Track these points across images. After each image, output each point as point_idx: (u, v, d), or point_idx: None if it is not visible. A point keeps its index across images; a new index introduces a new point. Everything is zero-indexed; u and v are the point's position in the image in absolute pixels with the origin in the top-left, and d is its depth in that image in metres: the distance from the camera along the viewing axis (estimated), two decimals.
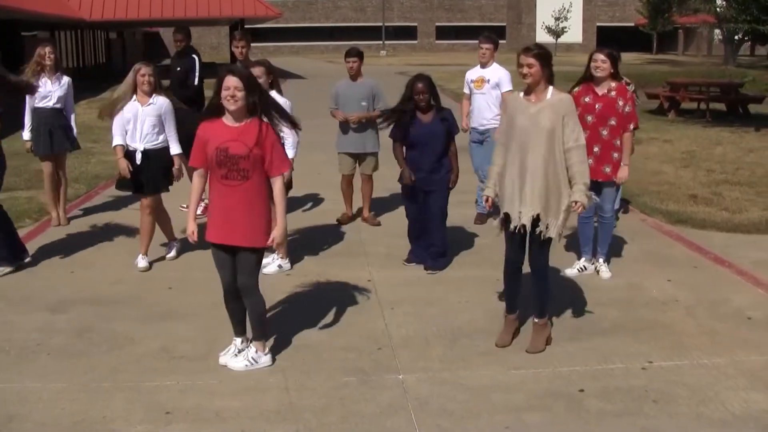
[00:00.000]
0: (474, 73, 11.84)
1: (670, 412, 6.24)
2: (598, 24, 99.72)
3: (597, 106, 9.05)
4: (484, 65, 11.74)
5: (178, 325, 7.97)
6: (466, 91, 12.01)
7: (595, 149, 9.04)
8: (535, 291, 7.55)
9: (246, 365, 7.01)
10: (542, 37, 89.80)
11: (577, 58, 68.45)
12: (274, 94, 9.14)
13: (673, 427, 6.04)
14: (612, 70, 9.07)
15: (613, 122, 9.05)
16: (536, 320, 7.55)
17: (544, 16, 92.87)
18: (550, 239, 7.23)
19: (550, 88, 7.21)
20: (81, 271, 9.80)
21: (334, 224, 11.84)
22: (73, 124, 11.87)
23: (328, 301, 8.67)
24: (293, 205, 12.83)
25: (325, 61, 70.39)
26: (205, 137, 6.75)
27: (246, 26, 51.45)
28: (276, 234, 6.89)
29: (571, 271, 9.58)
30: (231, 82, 6.60)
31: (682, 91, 26.43)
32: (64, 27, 46.81)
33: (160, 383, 6.76)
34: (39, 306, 8.59)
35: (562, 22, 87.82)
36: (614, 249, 10.27)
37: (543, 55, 7.14)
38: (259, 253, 6.97)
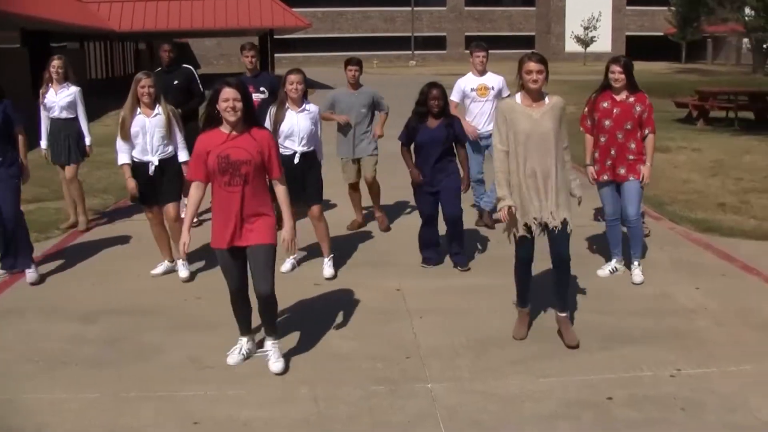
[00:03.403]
0: (472, 82, 12.00)
1: (699, 420, 6.21)
2: (628, 33, 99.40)
3: (615, 110, 9.27)
4: (482, 72, 11.93)
5: (206, 334, 7.99)
6: (456, 98, 11.99)
7: (612, 152, 9.35)
8: (559, 285, 7.78)
9: (283, 363, 7.21)
10: (571, 46, 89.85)
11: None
12: (306, 101, 9.80)
13: None
14: (626, 80, 9.26)
15: (629, 126, 9.27)
16: (562, 315, 7.80)
17: (573, 25, 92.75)
18: (566, 232, 7.50)
19: (545, 92, 7.51)
20: (108, 281, 9.87)
21: (361, 233, 11.92)
22: (85, 131, 12.22)
23: (357, 310, 8.71)
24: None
25: None
26: (205, 148, 6.90)
27: (275, 36, 51.63)
28: (285, 234, 7.14)
29: (602, 272, 9.75)
30: (230, 94, 6.80)
31: (711, 100, 26.35)
32: (94, 38, 47.09)
33: (189, 393, 6.78)
34: (68, 316, 8.65)
35: (591, 31, 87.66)
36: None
37: (546, 61, 7.45)
38: (270, 252, 7.06)
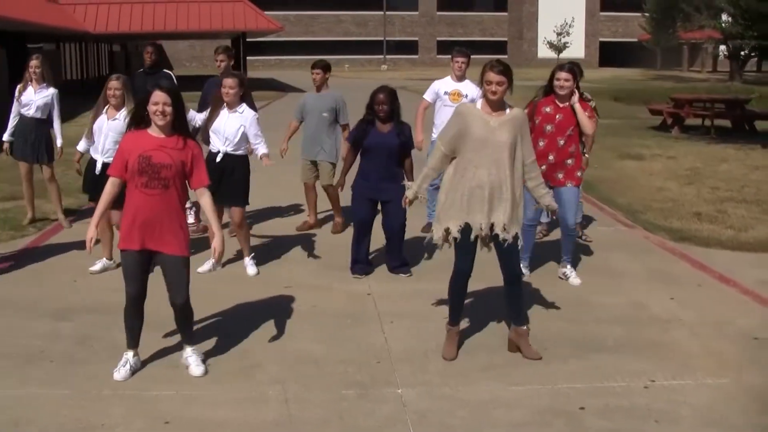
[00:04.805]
0: (448, 85, 11.94)
1: None
2: (601, 39, 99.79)
3: (558, 116, 9.27)
4: (460, 78, 11.87)
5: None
6: (429, 98, 12.02)
7: (550, 157, 9.34)
8: (514, 300, 7.62)
9: (205, 368, 7.15)
10: (544, 52, 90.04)
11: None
12: (244, 105, 9.89)
13: None
14: (574, 86, 9.27)
15: (570, 132, 9.27)
16: (523, 327, 7.63)
17: (545, 31, 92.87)
18: (517, 248, 7.39)
19: (505, 102, 7.36)
20: (83, 279, 9.81)
21: (332, 237, 11.86)
22: (57, 134, 12.19)
23: (328, 314, 8.65)
24: (287, 218, 12.91)
25: None
26: (128, 147, 6.87)
27: (248, 39, 51.59)
28: (217, 244, 6.96)
29: (575, 281, 9.69)
30: (160, 98, 6.76)
31: (687, 108, 26.26)
32: (69, 39, 46.95)
33: (160, 392, 6.74)
34: (43, 313, 8.61)
35: (564, 37, 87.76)
36: (617, 266, 10.24)
37: (509, 71, 7.28)
38: (187, 264, 7.02)
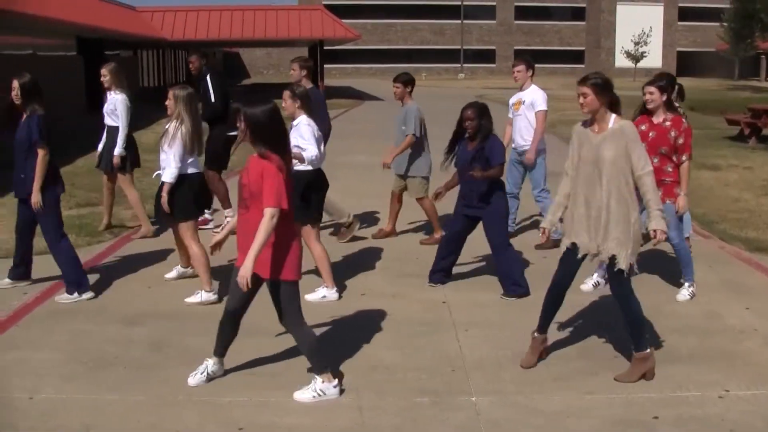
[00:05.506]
0: (514, 97, 12.05)
1: None
2: (678, 49, 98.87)
3: (651, 134, 9.18)
4: (521, 87, 11.96)
5: (252, 341, 7.94)
6: (510, 115, 12.14)
7: None
8: (625, 323, 7.38)
9: (314, 396, 6.84)
10: (621, 62, 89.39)
11: None
12: (300, 118, 9.22)
13: None
14: (663, 99, 9.21)
15: (663, 151, 9.16)
16: (634, 353, 7.32)
17: (623, 40, 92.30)
18: (622, 270, 7.08)
19: (613, 116, 7.14)
20: (157, 285, 9.96)
21: (406, 245, 11.92)
22: (118, 141, 12.13)
23: (403, 321, 8.69)
24: (363, 226, 12.93)
25: None
26: None
27: (325, 48, 51.82)
28: (240, 272, 6.61)
29: (585, 287, 9.58)
30: (239, 119, 6.76)
31: (764, 118, 25.70)
32: (147, 46, 47.55)
33: (233, 399, 6.81)
34: (116, 318, 8.75)
35: (641, 46, 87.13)
36: None
37: (598, 83, 7.12)
38: (286, 285, 6.81)
